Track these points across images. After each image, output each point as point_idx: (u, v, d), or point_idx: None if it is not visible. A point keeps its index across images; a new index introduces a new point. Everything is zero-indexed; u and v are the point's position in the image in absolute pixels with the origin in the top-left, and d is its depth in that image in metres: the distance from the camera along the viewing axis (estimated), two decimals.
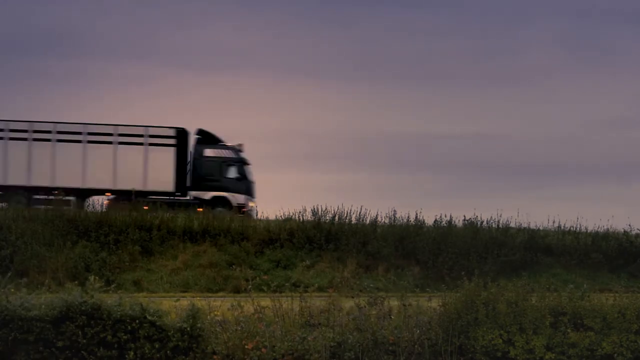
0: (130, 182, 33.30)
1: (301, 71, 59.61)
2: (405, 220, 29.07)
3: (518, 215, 30.06)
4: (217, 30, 58.72)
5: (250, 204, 34.95)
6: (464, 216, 29.23)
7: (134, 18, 58.18)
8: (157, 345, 13.53)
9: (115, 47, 58.08)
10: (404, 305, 14.67)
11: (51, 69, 57.25)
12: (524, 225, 29.63)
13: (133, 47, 58.69)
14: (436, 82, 58.61)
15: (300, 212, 29.02)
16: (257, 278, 19.00)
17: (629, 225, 29.79)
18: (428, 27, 57.91)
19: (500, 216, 29.27)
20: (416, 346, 13.97)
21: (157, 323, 13.62)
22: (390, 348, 13.92)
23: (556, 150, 58.10)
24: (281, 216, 29.48)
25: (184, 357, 13.60)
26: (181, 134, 34.93)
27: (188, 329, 13.66)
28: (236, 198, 34.54)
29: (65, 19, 57.14)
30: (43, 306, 13.52)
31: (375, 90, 57.97)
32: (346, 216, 28.81)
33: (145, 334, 13.51)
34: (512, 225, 29.43)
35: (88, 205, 31.11)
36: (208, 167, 35.19)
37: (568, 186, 54.62)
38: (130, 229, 26.45)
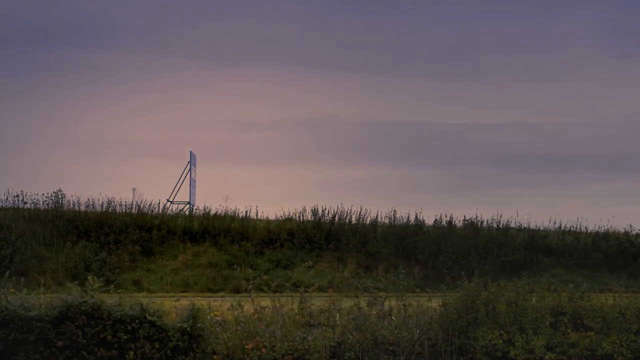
0: None
1: (329, 63, 58.75)
2: (405, 220, 29.13)
3: (518, 215, 30.23)
4: (241, 22, 58.09)
5: None
6: (464, 216, 29.36)
7: (155, 7, 57.39)
8: (157, 345, 13.53)
9: (135, 37, 57.36)
10: (405, 305, 14.67)
11: (64, 60, 56.62)
12: (524, 225, 29.74)
13: (155, 37, 58.02)
14: (468, 74, 57.61)
15: (300, 212, 29.11)
16: (258, 278, 19.01)
17: (629, 225, 29.91)
18: (460, 18, 57.10)
19: (501, 216, 29.40)
20: (416, 346, 13.96)
21: (157, 323, 13.62)
22: (390, 348, 13.92)
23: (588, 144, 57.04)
24: (281, 216, 29.54)
25: (184, 357, 13.60)
26: None
27: (188, 329, 13.66)
28: None
29: (81, 7, 56.40)
30: (43, 306, 13.52)
31: (406, 83, 57.29)
32: (346, 216, 28.89)
33: (145, 334, 13.51)
34: (512, 225, 29.52)
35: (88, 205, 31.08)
36: None
37: (596, 182, 53.87)
38: (130, 229, 26.46)
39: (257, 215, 29.86)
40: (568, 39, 56.42)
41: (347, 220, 28.74)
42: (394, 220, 29.22)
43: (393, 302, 14.98)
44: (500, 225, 29.11)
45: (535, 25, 57.18)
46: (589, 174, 54.37)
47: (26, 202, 27.50)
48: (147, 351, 13.46)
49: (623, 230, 29.89)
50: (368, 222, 29.10)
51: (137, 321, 13.52)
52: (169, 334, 13.59)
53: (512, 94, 56.62)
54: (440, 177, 55.62)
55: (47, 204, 27.50)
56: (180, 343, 13.58)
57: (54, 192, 27.63)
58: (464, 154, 55.54)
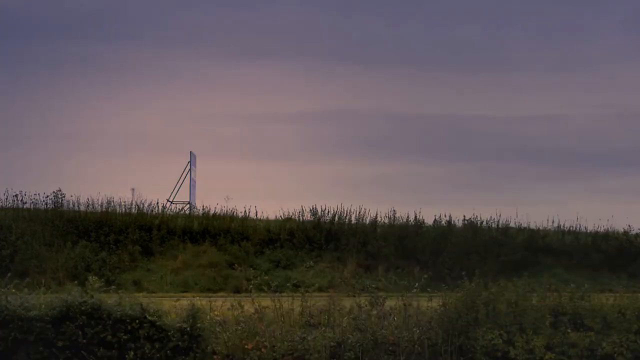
0: None
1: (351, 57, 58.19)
2: (404, 220, 29.11)
3: (517, 215, 30.15)
4: (241, 17, 57.68)
5: None
6: (464, 216, 29.31)
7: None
8: (157, 345, 13.53)
9: (136, 31, 56.98)
10: (404, 305, 14.68)
11: (68, 55, 56.11)
12: (524, 225, 29.72)
13: (155, 32, 57.57)
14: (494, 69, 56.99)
15: (300, 212, 29.10)
16: (258, 278, 19.05)
17: (629, 225, 29.90)
18: (483, 11, 56.62)
19: (500, 216, 29.36)
20: (416, 346, 13.97)
21: (157, 323, 13.63)
22: (390, 348, 13.93)
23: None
24: (281, 216, 29.52)
25: (184, 357, 13.60)
26: None
27: (188, 329, 13.66)
28: None
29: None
30: (43, 306, 13.52)
31: (434, 76, 56.78)
32: (346, 216, 28.84)
33: (145, 334, 13.51)
34: (512, 225, 29.50)
35: (88, 205, 31.06)
36: None
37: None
38: (130, 229, 26.43)
39: (256, 215, 29.86)
40: (589, 31, 55.76)
41: (346, 220, 28.71)
42: (394, 220, 29.19)
43: (393, 302, 14.99)
44: (500, 225, 29.11)
45: (556, 17, 56.56)
46: (602, 170, 53.63)
47: (26, 202, 27.50)
48: (147, 351, 13.47)
49: (623, 230, 29.89)
50: (368, 221, 29.09)
51: (137, 321, 13.52)
52: (169, 334, 13.60)
53: (516, 89, 56.18)
54: (441, 176, 55.32)
55: (47, 204, 27.51)
56: (180, 343, 13.58)
57: (53, 192, 27.61)
58: (468, 151, 54.99)
